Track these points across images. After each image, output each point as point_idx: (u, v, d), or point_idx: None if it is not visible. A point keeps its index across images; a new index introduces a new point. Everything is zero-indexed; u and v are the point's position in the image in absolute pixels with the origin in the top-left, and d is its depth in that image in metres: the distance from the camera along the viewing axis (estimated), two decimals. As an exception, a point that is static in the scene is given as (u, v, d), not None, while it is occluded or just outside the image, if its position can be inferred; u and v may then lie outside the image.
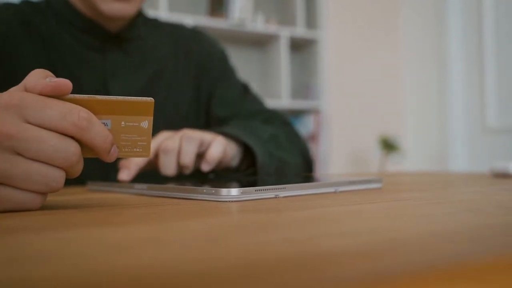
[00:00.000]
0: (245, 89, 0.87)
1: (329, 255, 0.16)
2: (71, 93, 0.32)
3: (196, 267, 0.15)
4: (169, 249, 0.18)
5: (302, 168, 0.78)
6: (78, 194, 0.47)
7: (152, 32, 0.82)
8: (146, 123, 0.35)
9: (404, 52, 3.12)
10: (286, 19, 2.65)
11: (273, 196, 0.38)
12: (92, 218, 0.28)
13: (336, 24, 2.82)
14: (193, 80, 0.83)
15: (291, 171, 0.72)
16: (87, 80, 0.72)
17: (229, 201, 0.35)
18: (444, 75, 2.88)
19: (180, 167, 0.58)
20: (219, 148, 0.59)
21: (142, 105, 0.34)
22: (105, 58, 0.73)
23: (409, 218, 0.25)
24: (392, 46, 3.09)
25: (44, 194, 0.32)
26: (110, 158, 0.33)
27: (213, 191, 0.36)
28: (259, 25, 2.43)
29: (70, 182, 0.67)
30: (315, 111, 2.58)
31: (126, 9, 0.69)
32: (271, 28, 2.46)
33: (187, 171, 0.58)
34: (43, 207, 0.34)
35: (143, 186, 0.45)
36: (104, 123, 0.33)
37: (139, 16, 0.78)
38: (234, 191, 0.36)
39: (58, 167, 0.31)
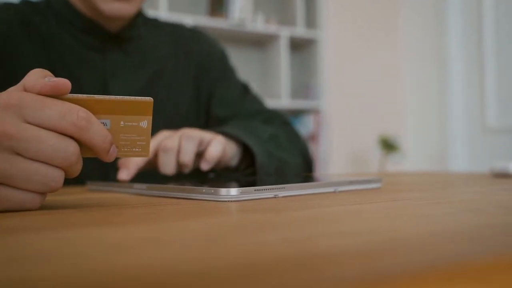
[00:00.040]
0: (245, 89, 0.87)
1: (329, 255, 0.16)
2: (70, 93, 0.32)
3: (196, 267, 0.15)
4: (168, 249, 0.18)
5: (302, 168, 0.78)
6: (77, 194, 0.47)
7: (152, 32, 0.82)
8: (145, 123, 0.35)
9: (404, 52, 3.12)
10: (286, 19, 2.65)
11: (272, 196, 0.38)
12: (92, 218, 0.28)
13: (336, 24, 2.82)
14: (193, 80, 0.83)
15: (291, 171, 0.72)
16: (87, 80, 0.72)
17: (228, 201, 0.35)
18: (444, 75, 2.88)
19: (179, 165, 0.58)
20: (218, 147, 0.59)
21: (141, 105, 0.34)
22: (105, 58, 0.73)
23: (408, 218, 0.25)
24: (392, 46, 3.09)
25: (43, 194, 0.32)
26: (109, 158, 0.33)
27: (213, 191, 0.36)
28: (259, 25, 2.43)
29: (70, 182, 0.67)
30: (315, 111, 2.59)
31: (126, 9, 0.69)
32: (271, 28, 2.46)
33: (187, 170, 0.58)
34: (42, 207, 0.34)
35: (143, 186, 0.44)
36: (103, 122, 0.33)
37: (139, 16, 0.78)
38: (234, 191, 0.36)
39: (57, 167, 0.31)
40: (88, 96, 0.32)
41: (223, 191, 0.36)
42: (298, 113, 2.64)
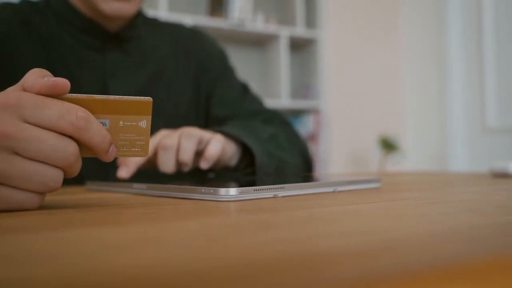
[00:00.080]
0: (244, 89, 0.87)
1: (328, 255, 0.16)
2: (69, 93, 0.32)
3: (195, 267, 0.15)
4: (168, 248, 0.18)
5: (302, 168, 0.78)
6: (77, 194, 0.47)
7: (151, 32, 0.82)
8: (145, 123, 0.35)
9: (404, 52, 3.12)
10: (286, 18, 2.65)
11: (271, 196, 0.38)
12: (91, 218, 0.28)
13: (335, 23, 2.82)
14: (193, 80, 0.83)
15: (290, 171, 0.72)
16: (87, 80, 0.72)
17: (227, 201, 0.35)
18: (444, 75, 2.88)
19: (179, 164, 0.58)
20: (217, 146, 0.59)
21: (140, 105, 0.34)
22: (105, 58, 0.73)
23: (408, 218, 0.25)
24: (392, 46, 3.09)
25: (42, 193, 0.32)
26: (108, 158, 0.33)
27: (212, 191, 0.36)
28: (258, 25, 2.43)
29: (69, 181, 0.67)
30: (314, 111, 2.58)
31: (126, 9, 0.69)
32: (271, 28, 2.46)
33: (186, 169, 0.58)
34: (42, 207, 0.34)
35: (142, 185, 0.44)
36: (102, 122, 0.33)
37: (139, 15, 0.78)
38: (233, 191, 0.36)
39: (56, 166, 0.31)
40: (87, 96, 0.32)
41: (222, 191, 0.36)
42: (298, 113, 2.64)
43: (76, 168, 0.32)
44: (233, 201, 0.36)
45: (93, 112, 0.32)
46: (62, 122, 0.30)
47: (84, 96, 0.32)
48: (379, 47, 3.03)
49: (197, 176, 0.66)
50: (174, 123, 0.76)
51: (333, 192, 0.42)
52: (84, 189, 0.54)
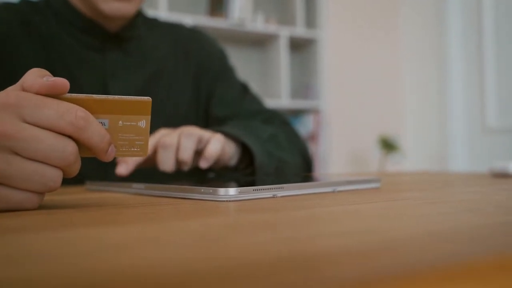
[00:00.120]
0: (244, 89, 0.87)
1: (328, 255, 0.16)
2: (69, 93, 0.32)
3: (195, 266, 0.15)
4: (168, 248, 0.18)
5: (302, 168, 0.78)
6: (76, 194, 0.47)
7: (151, 31, 0.82)
8: (144, 123, 0.35)
9: (404, 52, 3.12)
10: (286, 18, 2.65)
11: (271, 195, 0.38)
12: (91, 217, 0.28)
13: (335, 23, 2.82)
14: (193, 79, 0.83)
15: (290, 171, 0.72)
16: (87, 80, 0.72)
17: (227, 201, 0.35)
18: (444, 75, 2.88)
19: (178, 163, 0.58)
20: (217, 145, 0.59)
21: (140, 105, 0.34)
22: (105, 58, 0.73)
23: (408, 218, 0.25)
24: (392, 45, 3.09)
25: (41, 193, 0.32)
26: (108, 158, 0.33)
27: (211, 191, 0.36)
28: (258, 24, 2.43)
29: (69, 181, 0.67)
30: (314, 111, 2.59)
31: (126, 9, 0.69)
32: (271, 27, 2.46)
33: (186, 168, 0.58)
34: (41, 207, 0.34)
35: (141, 185, 0.44)
36: (101, 122, 0.33)
37: (139, 15, 0.78)
38: (232, 191, 0.36)
39: (55, 166, 0.31)
40: (86, 96, 0.32)
41: (222, 191, 0.36)
42: (298, 113, 2.64)
43: (75, 168, 0.32)
44: (233, 201, 0.35)
45: (92, 112, 0.32)
46: (61, 122, 0.30)
47: (83, 96, 0.32)
48: (379, 47, 3.03)
49: (197, 175, 0.66)
50: (174, 123, 0.76)
51: (333, 192, 0.42)
52: (84, 189, 0.54)
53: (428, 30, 2.99)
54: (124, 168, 0.56)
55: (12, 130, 0.29)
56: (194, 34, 0.87)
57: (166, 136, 0.57)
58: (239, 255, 0.16)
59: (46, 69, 0.48)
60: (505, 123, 2.60)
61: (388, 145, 2.74)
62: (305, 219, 0.25)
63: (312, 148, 2.56)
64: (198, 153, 0.60)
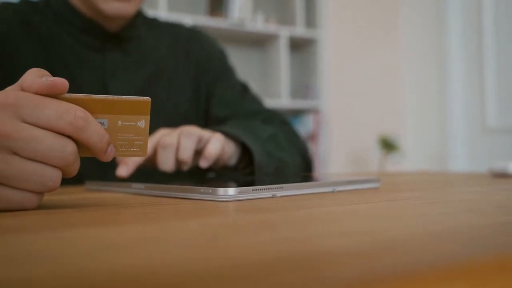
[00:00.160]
0: (244, 88, 0.87)
1: (327, 255, 0.16)
2: (69, 93, 0.32)
3: (195, 266, 0.15)
4: (167, 248, 0.18)
5: (301, 168, 0.78)
6: (76, 194, 0.47)
7: (151, 31, 0.82)
8: (143, 123, 0.34)
9: (403, 52, 3.12)
10: (286, 18, 2.65)
11: (270, 195, 0.38)
12: (90, 217, 0.27)
13: (335, 23, 2.82)
14: (193, 79, 0.83)
15: (290, 171, 0.72)
16: (87, 80, 0.72)
17: (226, 201, 0.35)
18: (444, 75, 2.88)
19: (178, 163, 0.58)
20: (217, 144, 0.59)
21: (139, 105, 0.34)
22: (105, 58, 0.73)
23: (408, 218, 0.25)
24: (391, 45, 3.09)
25: (41, 193, 0.32)
26: (107, 158, 0.33)
27: (210, 191, 0.36)
28: (258, 24, 2.43)
29: (68, 181, 0.67)
30: (314, 111, 2.59)
31: (126, 9, 0.69)
32: (271, 27, 2.46)
33: (185, 167, 0.58)
34: (41, 207, 0.34)
35: (141, 185, 0.44)
36: (100, 122, 0.33)
37: (139, 15, 0.78)
38: (231, 191, 0.36)
39: (54, 166, 0.31)
40: (85, 96, 0.32)
41: (221, 191, 0.36)
42: (297, 113, 2.64)
43: (75, 168, 0.32)
44: (232, 201, 0.35)
45: (91, 112, 0.32)
46: (60, 122, 0.30)
47: (82, 96, 0.32)
48: (379, 47, 3.03)
49: (197, 175, 0.66)
50: (174, 123, 0.76)
51: (332, 192, 0.42)
52: (83, 189, 0.54)
53: (428, 30, 2.99)
54: (124, 170, 0.56)
55: (11, 130, 0.29)
56: (194, 34, 0.87)
57: (166, 136, 0.57)
58: (239, 255, 0.16)
59: (46, 69, 0.48)
60: (505, 123, 2.60)
61: (388, 145, 2.74)
62: (304, 219, 0.25)
63: (312, 148, 2.56)
64: (198, 152, 0.60)
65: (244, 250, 0.17)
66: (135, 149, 0.35)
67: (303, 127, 2.59)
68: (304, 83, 2.70)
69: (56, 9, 0.73)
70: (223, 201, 0.36)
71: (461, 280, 0.14)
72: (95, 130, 0.32)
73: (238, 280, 0.13)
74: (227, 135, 0.65)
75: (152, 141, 0.58)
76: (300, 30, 2.53)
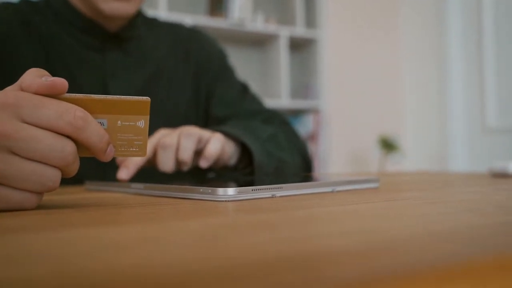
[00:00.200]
0: (244, 88, 0.87)
1: (327, 255, 0.16)
2: (69, 93, 0.32)
3: (194, 266, 0.15)
4: (167, 248, 0.18)
5: (301, 168, 0.78)
6: (75, 194, 0.47)
7: (151, 31, 0.82)
8: (143, 123, 0.34)
9: (403, 52, 3.12)
10: (286, 18, 2.65)
11: (269, 195, 0.38)
12: (90, 217, 0.27)
13: (335, 23, 2.82)
14: (193, 79, 0.83)
15: (290, 171, 0.72)
16: (87, 80, 0.72)
17: (225, 201, 0.35)
18: (444, 75, 2.88)
19: (178, 163, 0.58)
20: (217, 145, 0.59)
21: (138, 105, 0.34)
22: (105, 58, 0.73)
23: (407, 218, 0.25)
24: (391, 45, 3.09)
25: (40, 193, 0.32)
26: (106, 158, 0.33)
27: (210, 191, 0.36)
28: (258, 24, 2.43)
29: (68, 181, 0.67)
30: (314, 111, 2.58)
31: (126, 9, 0.69)
32: (271, 27, 2.46)
33: (185, 168, 0.58)
34: (40, 207, 0.34)
35: (140, 185, 0.44)
36: (100, 122, 0.33)
37: (139, 15, 0.78)
38: (231, 191, 0.36)
39: (54, 166, 0.31)
40: (85, 96, 0.32)
41: (220, 190, 0.36)
42: (297, 113, 2.64)
43: (74, 168, 0.32)
44: (231, 201, 0.35)
45: (91, 112, 0.32)
46: (60, 122, 0.30)
47: (82, 96, 0.32)
48: (379, 47, 3.03)
49: (197, 175, 0.66)
50: (173, 123, 0.76)
51: (332, 192, 0.42)
52: (83, 189, 0.54)
53: (428, 30, 2.99)
54: (125, 173, 0.56)
55: (11, 130, 0.29)
56: (194, 34, 0.87)
57: (166, 137, 0.57)
58: (238, 255, 0.16)
59: (46, 69, 0.48)
60: (505, 123, 2.60)
61: (388, 145, 2.74)
62: (304, 219, 0.25)
63: (312, 148, 2.56)
64: (198, 153, 0.60)
65: (244, 250, 0.17)
66: (134, 149, 0.35)
67: (303, 127, 2.59)
68: (304, 83, 2.70)
69: (56, 9, 0.73)
70: (223, 201, 0.35)
71: (461, 280, 0.14)
72: (94, 130, 0.32)
73: (237, 280, 0.13)
74: (227, 135, 0.65)
75: (152, 141, 0.58)
76: (300, 30, 2.53)
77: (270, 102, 2.32)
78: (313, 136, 2.58)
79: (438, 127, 2.94)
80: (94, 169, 0.69)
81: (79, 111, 0.31)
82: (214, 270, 0.14)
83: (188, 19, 2.18)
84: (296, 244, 0.18)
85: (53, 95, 0.31)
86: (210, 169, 0.66)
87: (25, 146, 0.29)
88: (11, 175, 0.30)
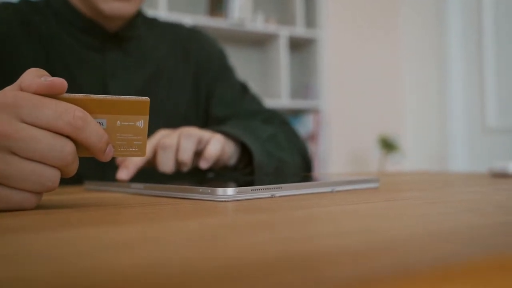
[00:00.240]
0: (244, 88, 0.87)
1: (327, 255, 0.16)
2: (69, 93, 0.32)
3: (194, 266, 0.15)
4: (167, 248, 0.18)
5: (301, 168, 0.78)
6: (75, 194, 0.47)
7: (151, 31, 0.82)
8: (142, 123, 0.34)
9: (403, 52, 3.12)
10: (286, 18, 2.65)
11: (269, 195, 0.38)
12: (90, 217, 0.27)
13: (335, 23, 2.82)
14: (192, 79, 0.83)
15: (290, 171, 0.72)
16: (87, 80, 0.72)
17: (225, 201, 0.35)
18: (444, 75, 2.88)
19: (178, 164, 0.58)
20: (217, 145, 0.59)
21: (138, 105, 0.34)
22: (105, 57, 0.73)
23: (407, 218, 0.25)
24: (391, 45, 3.09)
25: (39, 193, 0.32)
26: (106, 158, 0.33)
27: (209, 191, 0.36)
28: (258, 24, 2.43)
29: (67, 181, 0.67)
30: (314, 111, 2.59)
31: (126, 8, 0.69)
32: (271, 27, 2.46)
33: (185, 168, 0.58)
34: (40, 207, 0.34)
35: (140, 185, 0.44)
36: (99, 122, 0.33)
37: (139, 15, 0.78)
38: (230, 191, 0.36)
39: (53, 166, 0.31)
40: (84, 96, 0.32)
41: (220, 190, 0.36)
42: (297, 112, 2.64)
43: (73, 168, 0.32)
44: (231, 201, 0.35)
45: (90, 112, 0.32)
46: (59, 121, 0.30)
47: (81, 95, 0.32)
48: (379, 47, 3.03)
49: (196, 175, 0.66)
50: (173, 123, 0.76)
51: (331, 192, 0.42)
52: (82, 189, 0.54)
53: (428, 30, 2.99)
54: (125, 173, 0.56)
55: (10, 130, 0.29)
56: (193, 34, 0.87)
57: (166, 137, 0.57)
58: (238, 255, 0.16)
59: (46, 69, 0.47)
60: (505, 123, 2.60)
61: (388, 145, 2.74)
62: (303, 219, 0.25)
63: (312, 148, 2.56)
64: (198, 153, 0.60)
65: (243, 250, 0.17)
66: (134, 149, 0.35)
67: (303, 127, 2.59)
68: (304, 83, 2.70)
69: (56, 9, 0.73)
70: (222, 201, 0.35)
71: (461, 280, 0.14)
72: (94, 130, 0.32)
73: (237, 280, 0.13)
74: (227, 135, 0.65)
75: (152, 142, 0.58)
76: (300, 30, 2.53)
77: (270, 102, 2.32)
78: (313, 136, 2.58)
79: (438, 127, 2.94)
80: (94, 169, 0.69)
81: (78, 111, 0.31)
82: (213, 270, 0.14)
83: (188, 19, 2.18)
84: (296, 244, 0.18)
85: (52, 95, 0.31)
86: (210, 169, 0.66)
87: (25, 146, 0.29)
88: (11, 175, 0.30)
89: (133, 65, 0.76)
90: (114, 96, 0.33)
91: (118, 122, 0.34)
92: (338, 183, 0.43)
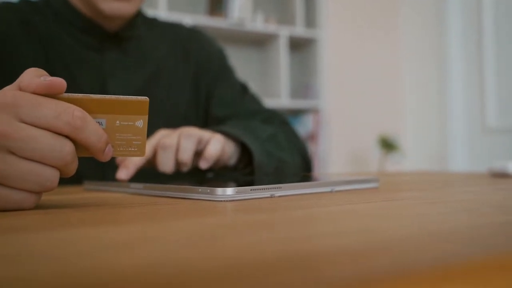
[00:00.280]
0: (244, 88, 0.87)
1: (326, 255, 0.16)
2: (68, 92, 0.32)
3: (194, 266, 0.15)
4: (166, 248, 0.18)
5: (301, 168, 0.78)
6: (74, 194, 0.47)
7: (151, 31, 0.82)
8: (141, 123, 0.34)
9: (403, 52, 3.12)
10: (286, 18, 2.65)
11: (268, 195, 0.38)
12: (89, 217, 0.27)
13: (335, 23, 2.82)
14: (192, 79, 0.83)
15: (289, 170, 0.72)
16: (86, 80, 0.72)
17: (224, 201, 0.35)
18: (444, 75, 2.88)
19: (178, 164, 0.58)
20: (217, 145, 0.59)
21: (137, 104, 0.34)
22: (104, 57, 0.73)
23: (407, 218, 0.24)
24: (391, 45, 3.09)
25: (39, 193, 0.32)
26: (105, 158, 0.33)
27: (209, 191, 0.36)
28: (258, 24, 2.43)
29: (66, 181, 0.67)
30: (314, 111, 2.59)
31: (126, 8, 0.69)
32: (271, 27, 2.46)
33: (185, 168, 0.58)
34: (39, 207, 0.34)
35: (139, 185, 0.44)
36: (98, 122, 0.33)
37: (138, 15, 0.78)
38: (229, 191, 0.36)
39: (52, 166, 0.31)
40: (83, 96, 0.32)
41: (219, 190, 0.36)
42: (297, 112, 2.64)
43: (73, 167, 0.32)
44: (230, 201, 0.35)
45: (89, 111, 0.32)
46: (58, 121, 0.30)
47: (80, 95, 0.32)
48: (379, 47, 3.03)
49: (196, 175, 0.66)
50: (173, 123, 0.76)
51: (331, 192, 0.42)
52: (82, 189, 0.54)
53: (428, 30, 2.99)
54: (124, 173, 0.56)
55: (9, 130, 0.29)
56: (193, 34, 0.87)
57: (166, 137, 0.57)
58: (237, 255, 0.16)
59: (46, 69, 0.47)
60: (505, 123, 2.60)
61: (388, 145, 2.74)
62: (303, 219, 0.25)
63: (312, 148, 2.56)
64: (198, 153, 0.60)
65: (243, 250, 0.17)
66: (133, 149, 0.35)
67: (303, 127, 2.58)
68: (304, 83, 2.70)
69: (55, 9, 0.73)
70: (222, 201, 0.35)
71: (461, 280, 0.14)
72: (93, 130, 0.32)
73: (236, 280, 0.13)
74: (227, 135, 0.65)
75: (152, 142, 0.58)
76: (300, 30, 2.53)
77: (270, 102, 2.32)
78: (313, 136, 2.58)
79: (438, 127, 2.94)
80: (93, 169, 0.69)
81: (78, 111, 0.31)
82: (213, 269, 0.14)
83: (188, 19, 2.18)
84: (295, 244, 0.18)
85: (51, 95, 0.31)
86: (209, 169, 0.66)
87: (24, 146, 0.29)
88: (10, 175, 0.30)
89: (133, 65, 0.76)
90: (114, 96, 0.33)
91: (118, 122, 0.34)
92: (337, 183, 0.43)
